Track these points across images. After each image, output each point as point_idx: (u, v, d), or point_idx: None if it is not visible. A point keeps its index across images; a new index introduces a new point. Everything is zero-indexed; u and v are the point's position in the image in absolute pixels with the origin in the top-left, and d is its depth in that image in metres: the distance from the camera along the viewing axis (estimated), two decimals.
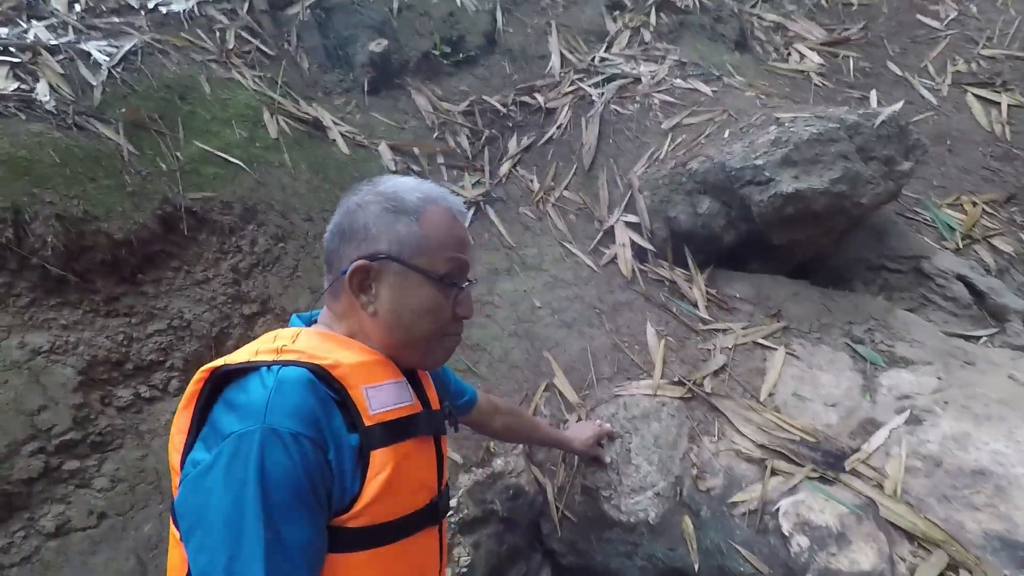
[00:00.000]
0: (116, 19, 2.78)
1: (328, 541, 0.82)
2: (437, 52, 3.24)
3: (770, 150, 2.24)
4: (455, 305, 0.99)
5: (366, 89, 3.16)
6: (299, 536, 0.77)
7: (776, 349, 2.22)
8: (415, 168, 2.88)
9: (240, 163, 2.42)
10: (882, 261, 2.69)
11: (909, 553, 1.65)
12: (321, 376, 0.85)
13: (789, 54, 3.73)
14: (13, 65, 2.26)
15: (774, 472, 1.86)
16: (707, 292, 2.48)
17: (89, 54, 2.45)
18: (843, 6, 3.99)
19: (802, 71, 3.56)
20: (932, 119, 3.26)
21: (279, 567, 0.75)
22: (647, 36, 3.47)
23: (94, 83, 2.34)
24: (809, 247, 2.56)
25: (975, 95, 3.27)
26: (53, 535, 1.75)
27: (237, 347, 2.32)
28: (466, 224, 1.04)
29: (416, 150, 2.97)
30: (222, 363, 0.87)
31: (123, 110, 2.29)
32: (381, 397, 0.90)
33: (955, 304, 2.48)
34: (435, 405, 1.07)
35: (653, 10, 3.56)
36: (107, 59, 2.45)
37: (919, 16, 3.71)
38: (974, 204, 2.89)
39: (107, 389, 2.00)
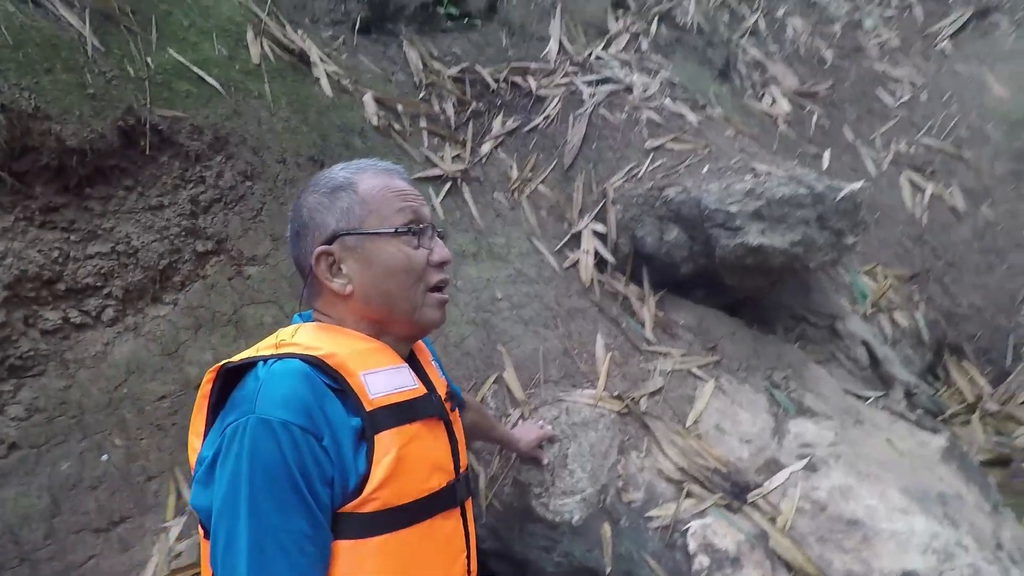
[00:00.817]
0: None
1: (343, 528, 0.84)
2: (443, 9, 3.09)
3: (744, 200, 2.39)
4: (428, 254, 1.01)
5: (356, 27, 2.97)
6: (289, 524, 0.78)
7: (707, 381, 2.43)
8: (396, 126, 2.78)
9: (217, 85, 2.22)
10: (804, 313, 2.99)
11: None
12: (318, 366, 0.87)
13: (763, 95, 3.92)
14: None
15: (689, 494, 2.08)
16: (655, 314, 2.65)
17: None
18: (818, 60, 4.23)
19: (771, 115, 3.77)
20: (868, 190, 3.60)
21: (263, 556, 0.76)
22: (644, 45, 3.51)
23: None
24: (751, 289, 2.78)
25: (908, 177, 3.64)
26: None
27: (184, 284, 2.19)
28: (405, 178, 1.05)
29: (400, 107, 2.85)
30: (229, 360, 0.90)
31: None
32: (380, 382, 0.91)
33: (855, 365, 2.83)
34: (440, 389, 1.08)
35: (656, 19, 3.59)
36: None
37: (879, 89, 4.03)
38: (885, 276, 3.26)
39: (33, 309, 1.84)
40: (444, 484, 0.96)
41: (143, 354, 1.98)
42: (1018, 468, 2.73)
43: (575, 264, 2.74)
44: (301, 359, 0.86)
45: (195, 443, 0.91)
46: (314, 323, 1.01)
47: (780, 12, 4.53)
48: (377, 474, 0.85)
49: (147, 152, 2.04)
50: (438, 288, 1.04)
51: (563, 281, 2.69)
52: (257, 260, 2.26)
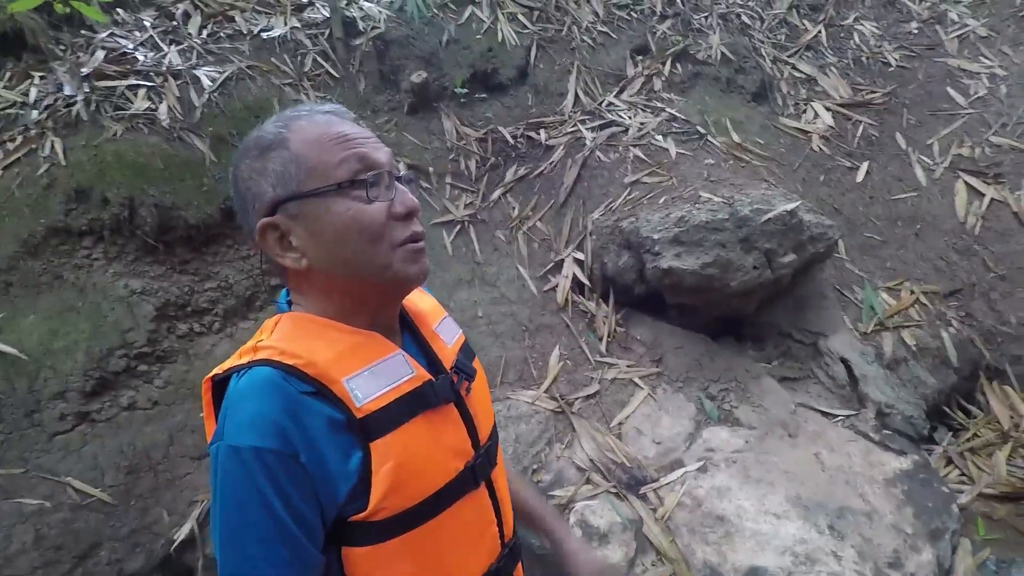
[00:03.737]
0: (227, 44, 3.73)
1: (356, 536, 0.80)
2: (458, 89, 3.87)
3: (670, 227, 2.68)
4: (388, 206, 0.84)
5: (406, 110, 3.89)
6: (269, 554, 0.74)
7: (643, 389, 2.74)
8: (425, 184, 3.61)
9: None
10: (790, 331, 3.02)
11: (650, 563, 2.21)
12: (295, 374, 0.79)
13: (804, 111, 3.88)
14: (148, 88, 3.27)
15: (588, 481, 2.46)
16: (615, 330, 3.00)
17: (199, 79, 3.41)
18: (882, 64, 3.99)
19: (807, 131, 3.73)
20: (912, 199, 3.36)
21: None
22: (658, 85, 3.82)
23: (197, 104, 3.30)
24: (717, 307, 2.96)
25: (965, 182, 3.30)
26: (126, 408, 2.81)
27: (262, 307, 3.24)
28: (349, 119, 0.88)
29: (431, 169, 3.68)
30: (215, 371, 0.85)
31: (210, 129, 3.23)
32: (369, 384, 0.82)
33: (833, 382, 2.80)
34: (447, 359, 0.95)
35: (669, 60, 3.88)
36: (211, 84, 3.40)
37: (949, 88, 3.66)
38: (911, 292, 3.06)
39: (173, 322, 3.03)
40: (462, 467, 0.88)
41: (233, 352, 3.07)
42: None
43: (554, 287, 3.23)
44: (274, 365, 0.78)
45: None
46: (292, 314, 0.89)
47: (850, 19, 4.34)
48: (379, 486, 0.78)
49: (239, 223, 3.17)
50: (408, 241, 0.86)
51: (540, 302, 3.20)
52: None
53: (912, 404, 2.66)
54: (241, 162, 0.86)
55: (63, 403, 2.67)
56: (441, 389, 0.88)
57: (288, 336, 0.83)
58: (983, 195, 3.22)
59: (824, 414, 2.68)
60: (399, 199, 0.85)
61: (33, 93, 3.17)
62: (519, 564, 1.03)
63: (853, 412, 2.68)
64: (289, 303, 0.92)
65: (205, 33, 3.75)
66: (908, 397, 2.71)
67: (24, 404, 2.60)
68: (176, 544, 2.54)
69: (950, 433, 2.87)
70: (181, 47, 3.60)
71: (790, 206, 2.59)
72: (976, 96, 3.55)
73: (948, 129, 3.53)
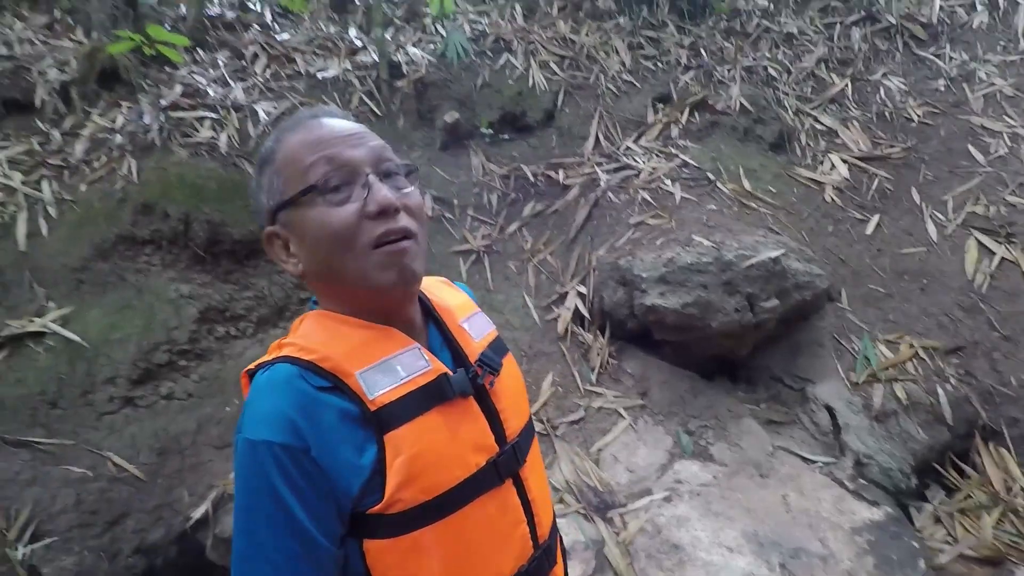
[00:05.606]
0: (286, 83, 4.21)
1: (374, 529, 0.81)
2: (484, 130, 4.18)
3: (659, 267, 2.84)
4: (360, 207, 0.82)
5: (438, 147, 4.24)
6: (280, 544, 0.76)
7: (625, 419, 2.87)
8: (448, 215, 3.91)
9: None
10: (782, 376, 3.08)
11: None
12: (310, 368, 0.81)
13: (822, 162, 3.96)
14: (213, 120, 3.75)
15: (560, 500, 2.61)
16: (608, 362, 3.16)
17: (257, 112, 3.87)
18: (905, 120, 4.03)
19: (820, 182, 3.81)
20: (921, 255, 3.36)
21: (253, 574, 0.77)
22: (675, 132, 4.01)
23: (252, 135, 3.75)
24: (707, 346, 3.06)
25: (977, 240, 3.29)
26: (164, 397, 3.19)
27: (292, 316, 3.61)
28: (338, 117, 0.90)
29: (455, 201, 3.98)
30: (249, 367, 0.88)
31: None
32: (382, 377, 0.83)
33: (816, 429, 2.84)
34: (472, 353, 0.95)
35: (688, 108, 4.06)
36: (266, 117, 3.85)
37: (970, 145, 3.66)
38: (911, 346, 3.07)
39: (212, 325, 3.41)
40: (484, 463, 0.87)
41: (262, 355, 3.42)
42: (1006, 571, 2.37)
43: (556, 318, 3.42)
44: (292, 361, 0.81)
45: None
46: (314, 312, 0.92)
47: (878, 74, 4.40)
48: (393, 478, 0.79)
49: None
50: (386, 243, 0.83)
51: (541, 331, 3.39)
52: None
53: (895, 457, 2.67)
54: (252, 176, 0.93)
55: (113, 387, 3.07)
56: (458, 383, 0.88)
57: (307, 333, 0.87)
58: (994, 253, 3.19)
59: (803, 459, 2.73)
60: (372, 197, 0.82)
61: (119, 120, 3.71)
62: (558, 567, 1.02)
63: (832, 460, 2.71)
64: (315, 303, 0.95)
65: (268, 72, 4.25)
66: (892, 450, 2.72)
67: (81, 385, 3.02)
68: (192, 522, 2.85)
69: (943, 492, 2.83)
70: (246, 84, 4.10)
71: (774, 253, 2.70)
72: (996, 155, 3.53)
73: (965, 187, 3.52)
